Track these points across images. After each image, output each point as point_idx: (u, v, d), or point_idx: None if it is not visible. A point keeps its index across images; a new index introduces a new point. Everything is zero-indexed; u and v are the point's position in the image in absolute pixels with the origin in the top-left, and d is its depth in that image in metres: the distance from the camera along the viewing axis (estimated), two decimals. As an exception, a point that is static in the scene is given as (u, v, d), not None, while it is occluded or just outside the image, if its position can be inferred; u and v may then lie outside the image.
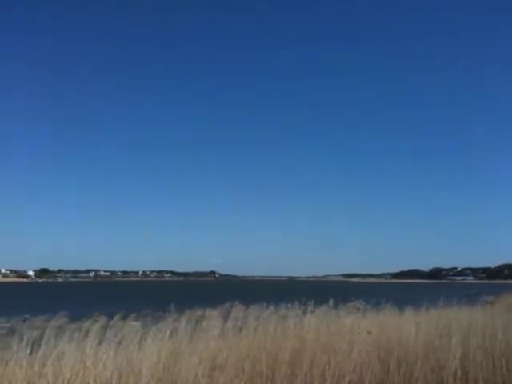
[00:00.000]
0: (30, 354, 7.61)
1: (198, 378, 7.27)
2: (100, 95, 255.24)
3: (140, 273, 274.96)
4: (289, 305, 11.32)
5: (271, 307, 11.10)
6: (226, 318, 9.86)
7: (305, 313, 10.62)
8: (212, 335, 8.91)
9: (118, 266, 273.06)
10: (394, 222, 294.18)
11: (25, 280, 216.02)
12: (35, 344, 7.86)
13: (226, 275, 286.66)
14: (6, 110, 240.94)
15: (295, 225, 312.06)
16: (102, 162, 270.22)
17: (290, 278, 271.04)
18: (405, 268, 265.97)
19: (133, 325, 8.87)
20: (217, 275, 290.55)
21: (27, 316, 8.84)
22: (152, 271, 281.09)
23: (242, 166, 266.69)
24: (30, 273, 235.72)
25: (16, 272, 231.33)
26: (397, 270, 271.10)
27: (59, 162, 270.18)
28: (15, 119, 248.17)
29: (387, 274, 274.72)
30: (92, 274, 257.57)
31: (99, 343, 8.00)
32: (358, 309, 11.54)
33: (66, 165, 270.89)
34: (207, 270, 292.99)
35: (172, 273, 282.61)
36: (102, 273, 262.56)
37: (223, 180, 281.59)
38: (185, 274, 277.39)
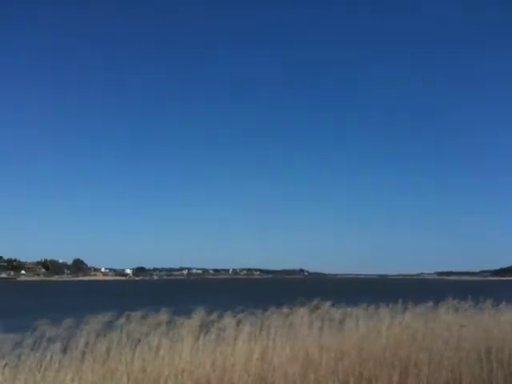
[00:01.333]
0: (134, 348, 8.02)
1: (291, 375, 7.33)
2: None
3: (230, 271, 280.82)
4: (380, 303, 11.11)
5: (362, 305, 10.93)
6: (315, 315, 9.85)
7: (398, 311, 10.37)
8: (303, 333, 8.94)
9: (210, 264, 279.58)
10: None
11: (123, 278, 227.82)
12: (136, 340, 8.26)
13: (315, 273, 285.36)
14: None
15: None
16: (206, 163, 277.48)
17: (381, 276, 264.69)
18: (506, 264, 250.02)
19: (228, 321, 9.10)
20: (305, 273, 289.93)
21: (129, 312, 9.26)
22: (242, 269, 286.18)
23: (333, 166, 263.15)
24: (128, 271, 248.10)
25: (115, 271, 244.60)
26: (496, 266, 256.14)
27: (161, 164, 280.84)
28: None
29: (486, 271, 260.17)
30: (185, 272, 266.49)
31: (197, 339, 8.29)
32: (457, 308, 11.08)
33: (168, 167, 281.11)
34: (296, 267, 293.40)
35: (261, 271, 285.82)
36: (194, 271, 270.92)
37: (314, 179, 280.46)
38: (273, 272, 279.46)
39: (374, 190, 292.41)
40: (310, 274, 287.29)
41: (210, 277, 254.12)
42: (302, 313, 9.93)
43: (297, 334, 8.98)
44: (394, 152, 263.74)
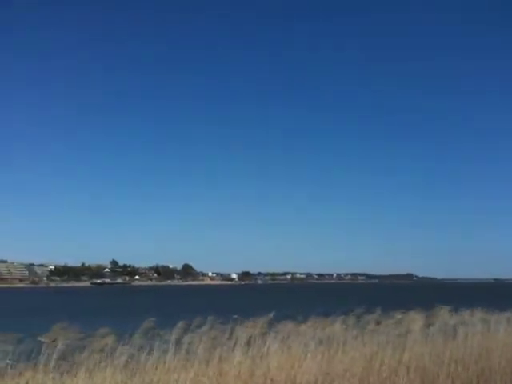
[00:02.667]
0: (246, 352, 8.17)
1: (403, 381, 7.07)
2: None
3: (334, 275, 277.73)
4: (496, 310, 10.41)
5: (477, 311, 10.31)
6: (428, 321, 9.42)
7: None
8: (414, 339, 8.59)
9: (314, 269, 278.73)
10: None
11: (229, 282, 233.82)
12: (246, 343, 8.39)
13: (425, 277, 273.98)
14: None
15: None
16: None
17: (497, 280, 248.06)
18: None
19: (336, 326, 8.98)
20: (414, 278, 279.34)
21: (235, 316, 9.44)
22: (346, 274, 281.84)
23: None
24: (234, 276, 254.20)
25: (222, 275, 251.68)
26: None
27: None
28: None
29: None
30: (289, 277, 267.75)
31: (306, 344, 8.26)
32: None
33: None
34: (403, 272, 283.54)
35: (366, 275, 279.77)
36: (298, 275, 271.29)
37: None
38: (379, 277, 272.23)
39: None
40: (418, 278, 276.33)
41: (313, 281, 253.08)
42: (413, 319, 9.54)
43: (406, 341, 8.64)
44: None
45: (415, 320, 9.41)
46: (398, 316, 9.93)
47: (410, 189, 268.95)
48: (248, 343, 8.45)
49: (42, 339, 7.27)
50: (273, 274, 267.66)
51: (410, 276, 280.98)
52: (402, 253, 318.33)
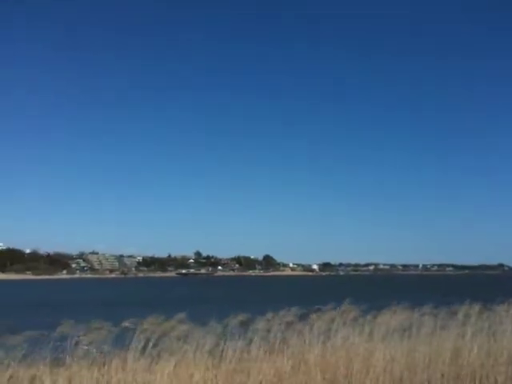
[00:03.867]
0: (323, 342, 8.19)
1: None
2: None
3: (420, 266, 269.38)
4: None
5: None
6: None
7: None
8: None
9: (398, 260, 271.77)
10: None
11: (310, 273, 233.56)
12: (325, 333, 8.40)
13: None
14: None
15: None
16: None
17: None
18: None
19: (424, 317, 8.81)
20: (505, 268, 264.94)
21: (319, 306, 9.46)
22: (433, 265, 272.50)
23: None
24: (315, 267, 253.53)
25: (302, 266, 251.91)
26: None
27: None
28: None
29: None
30: (371, 268, 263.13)
31: (384, 336, 8.16)
32: None
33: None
34: (494, 262, 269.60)
35: (454, 266, 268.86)
36: (382, 266, 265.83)
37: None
38: (469, 268, 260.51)
39: None
40: (510, 269, 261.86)
41: (398, 273, 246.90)
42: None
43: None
44: None
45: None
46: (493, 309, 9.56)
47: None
48: (329, 332, 8.45)
49: (133, 326, 7.68)
50: (355, 265, 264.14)
51: (501, 266, 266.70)
52: (491, 241, 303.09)
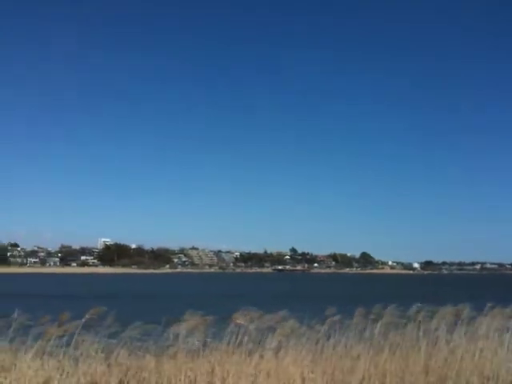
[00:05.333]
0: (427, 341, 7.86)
1: None
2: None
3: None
4: None
5: None
6: None
7: None
8: None
9: (507, 259, 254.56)
10: None
11: (410, 272, 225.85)
12: (433, 335, 8.07)
13: None
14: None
15: None
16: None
17: None
18: None
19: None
20: None
21: (419, 304, 9.13)
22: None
23: None
24: (416, 265, 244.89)
25: (402, 264, 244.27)
26: None
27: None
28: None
29: None
30: (478, 267, 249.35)
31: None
32: None
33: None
34: None
35: None
36: (489, 265, 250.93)
37: None
38: None
39: None
40: None
41: (507, 272, 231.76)
42: None
43: None
44: None
45: None
46: None
47: None
48: (432, 332, 8.13)
49: (234, 321, 7.82)
50: (459, 264, 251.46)
51: None
52: None
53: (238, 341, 7.61)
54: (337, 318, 8.27)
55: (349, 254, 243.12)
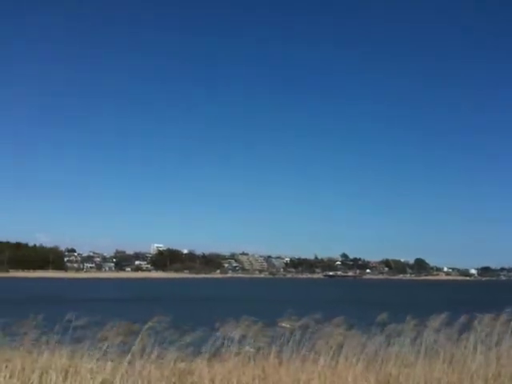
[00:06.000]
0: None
1: None
2: None
3: None
4: None
5: None
6: None
7: None
8: None
9: None
10: None
11: (467, 278, 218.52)
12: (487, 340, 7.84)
13: None
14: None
15: None
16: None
17: None
18: None
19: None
20: None
21: (476, 312, 8.90)
22: None
23: None
24: (473, 271, 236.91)
25: (458, 270, 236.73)
26: None
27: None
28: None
29: None
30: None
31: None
32: None
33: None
34: None
35: None
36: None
37: None
38: None
39: None
40: None
41: None
42: None
43: None
44: None
45: None
46: None
47: None
48: (490, 340, 7.89)
49: (283, 325, 7.82)
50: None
51: None
52: None
53: (290, 346, 7.60)
54: (393, 326, 8.14)
55: (402, 260, 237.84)
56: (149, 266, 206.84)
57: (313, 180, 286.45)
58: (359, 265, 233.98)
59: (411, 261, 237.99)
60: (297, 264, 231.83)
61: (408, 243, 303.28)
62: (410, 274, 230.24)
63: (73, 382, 6.88)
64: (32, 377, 6.88)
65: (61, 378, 6.90)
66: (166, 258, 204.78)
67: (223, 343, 7.58)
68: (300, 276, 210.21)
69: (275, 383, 6.96)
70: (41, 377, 6.89)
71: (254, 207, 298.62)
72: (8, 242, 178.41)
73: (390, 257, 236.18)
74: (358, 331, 8.12)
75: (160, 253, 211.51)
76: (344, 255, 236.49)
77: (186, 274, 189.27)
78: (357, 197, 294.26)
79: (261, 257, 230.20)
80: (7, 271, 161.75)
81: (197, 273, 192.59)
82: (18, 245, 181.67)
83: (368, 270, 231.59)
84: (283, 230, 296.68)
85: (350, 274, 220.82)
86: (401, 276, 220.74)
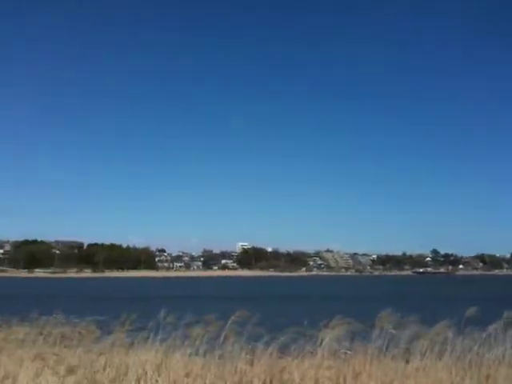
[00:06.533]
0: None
1: None
2: None
3: None
4: None
5: None
6: None
7: None
8: None
9: None
10: None
11: None
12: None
13: None
14: None
15: None
16: None
17: None
18: None
19: None
20: None
21: None
22: None
23: None
24: None
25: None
26: None
27: None
28: None
29: None
30: None
31: None
32: None
33: None
34: None
35: None
36: None
37: None
38: None
39: None
40: None
41: None
42: None
43: None
44: None
45: None
46: None
47: None
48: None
49: (379, 325, 7.61)
50: None
51: None
52: None
53: (383, 345, 7.39)
54: (494, 326, 7.68)
55: (498, 255, 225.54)
56: (235, 264, 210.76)
57: (385, 173, 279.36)
58: (451, 261, 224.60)
59: (508, 255, 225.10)
60: (384, 261, 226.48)
61: (502, 237, 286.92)
62: (507, 268, 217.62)
63: (167, 377, 7.07)
64: (128, 373, 7.17)
65: (157, 374, 7.12)
66: (251, 257, 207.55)
67: (316, 342, 7.51)
68: (388, 273, 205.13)
69: (367, 383, 6.80)
70: (137, 372, 7.15)
71: (338, 205, 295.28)
72: (102, 244, 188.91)
73: (485, 251, 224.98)
74: (453, 330, 7.74)
75: (245, 251, 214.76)
76: (434, 251, 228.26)
77: (271, 272, 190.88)
78: (445, 191, 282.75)
79: (346, 254, 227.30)
80: (102, 271, 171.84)
81: (282, 271, 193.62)
82: (112, 246, 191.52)
83: (461, 266, 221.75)
84: (368, 227, 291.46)
85: (442, 270, 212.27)
86: (496, 271, 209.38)
